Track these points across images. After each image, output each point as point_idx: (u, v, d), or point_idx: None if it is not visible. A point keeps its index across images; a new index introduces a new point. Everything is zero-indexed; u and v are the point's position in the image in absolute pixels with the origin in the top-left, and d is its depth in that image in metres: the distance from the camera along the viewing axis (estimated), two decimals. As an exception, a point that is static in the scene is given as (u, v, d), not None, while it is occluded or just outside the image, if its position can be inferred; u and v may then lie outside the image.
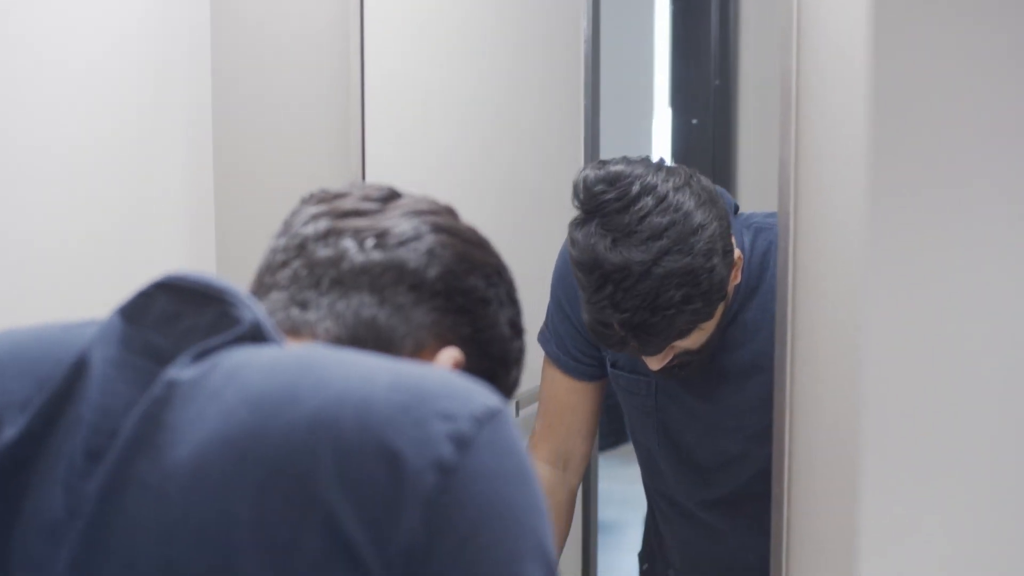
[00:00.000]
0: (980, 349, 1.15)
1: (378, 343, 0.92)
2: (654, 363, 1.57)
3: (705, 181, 1.53)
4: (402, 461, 0.74)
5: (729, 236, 1.51)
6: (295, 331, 0.92)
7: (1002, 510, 1.16)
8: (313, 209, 0.98)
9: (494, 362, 0.99)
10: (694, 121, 3.81)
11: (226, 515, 0.74)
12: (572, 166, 2.27)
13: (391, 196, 1.00)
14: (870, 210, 1.11)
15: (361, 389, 0.77)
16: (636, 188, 1.47)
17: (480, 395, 0.79)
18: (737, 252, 1.54)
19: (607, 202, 1.47)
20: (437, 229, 0.97)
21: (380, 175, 1.68)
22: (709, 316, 1.50)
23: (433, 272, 0.95)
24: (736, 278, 1.56)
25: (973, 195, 1.12)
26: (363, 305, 0.93)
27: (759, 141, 3.27)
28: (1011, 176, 1.13)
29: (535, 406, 1.92)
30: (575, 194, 1.51)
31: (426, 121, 1.88)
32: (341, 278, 0.93)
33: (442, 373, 0.82)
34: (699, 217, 1.46)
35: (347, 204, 0.98)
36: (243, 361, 0.80)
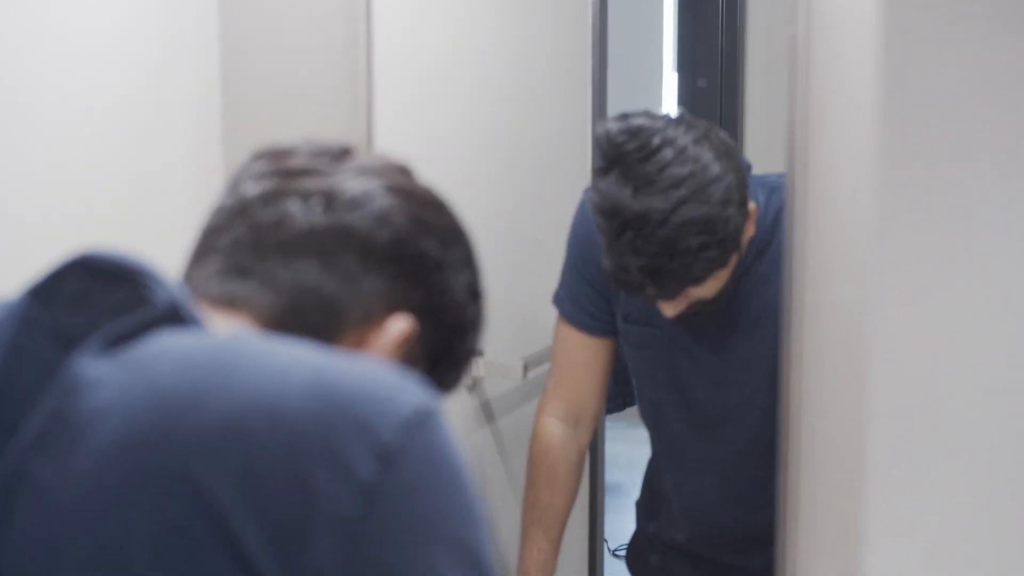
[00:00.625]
0: (994, 316, 1.15)
1: (322, 314, 0.86)
2: (669, 309, 1.60)
3: (723, 135, 1.58)
4: (315, 481, 0.67)
5: (745, 188, 1.56)
6: (232, 303, 0.86)
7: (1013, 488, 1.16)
8: (260, 166, 0.93)
9: (449, 330, 0.94)
10: (701, 83, 3.79)
11: (122, 530, 0.67)
12: (580, 130, 2.27)
13: (343, 154, 0.94)
14: (879, 175, 1.10)
15: (275, 393, 0.70)
16: (657, 140, 1.52)
17: (408, 395, 0.72)
18: (752, 204, 1.59)
19: (629, 153, 1.51)
20: (389, 190, 0.92)
21: (388, 143, 1.67)
22: (724, 264, 1.54)
23: (383, 236, 0.89)
24: (750, 230, 1.60)
25: (985, 164, 1.12)
26: (307, 272, 0.87)
27: (767, 104, 3.26)
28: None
29: (543, 368, 1.93)
30: (598, 145, 1.56)
31: (435, 92, 1.87)
32: (284, 243, 0.88)
33: (367, 370, 0.74)
34: (717, 168, 1.51)
35: (295, 162, 0.92)
36: (156, 352, 0.74)
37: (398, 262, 0.90)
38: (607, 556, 2.58)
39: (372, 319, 0.88)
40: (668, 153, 1.51)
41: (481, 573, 0.71)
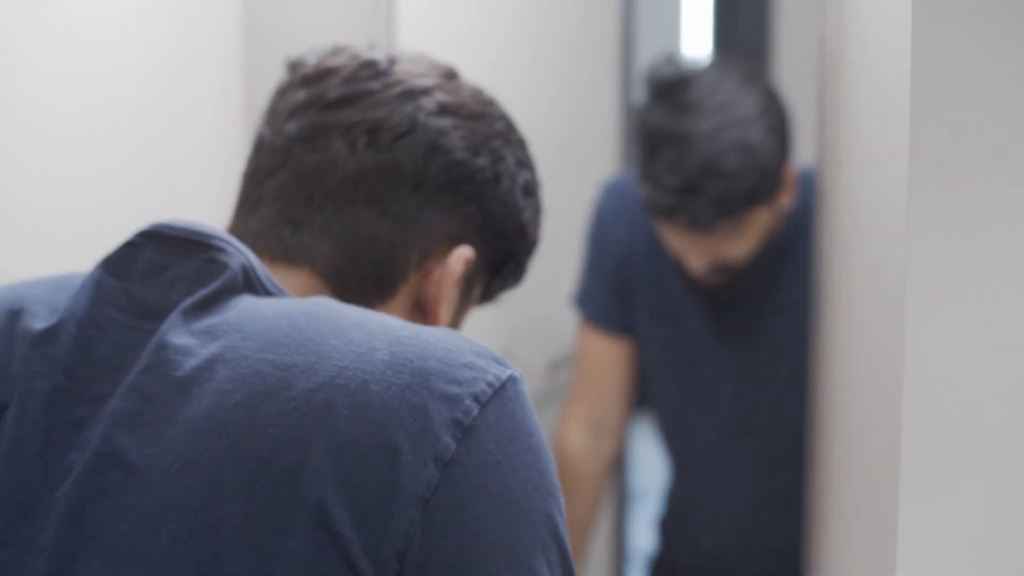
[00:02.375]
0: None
1: (380, 262, 0.86)
2: (697, 257, 1.59)
3: (771, 82, 1.66)
4: (399, 455, 0.68)
5: (788, 132, 1.58)
6: (289, 257, 0.86)
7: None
8: (299, 95, 0.89)
9: (509, 238, 0.93)
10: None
11: (212, 509, 0.68)
12: (604, 119, 2.24)
13: (382, 69, 0.89)
14: (911, 175, 1.08)
15: (357, 367, 0.71)
16: (703, 72, 1.59)
17: (487, 366, 0.73)
18: (791, 169, 1.60)
19: (674, 82, 1.57)
20: (436, 111, 0.88)
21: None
22: (759, 200, 1.54)
23: (435, 167, 0.87)
24: (787, 198, 1.60)
25: (1019, 163, 1.09)
26: (360, 220, 0.85)
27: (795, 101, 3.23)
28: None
29: (567, 369, 1.90)
30: (647, 82, 1.60)
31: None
32: (334, 189, 0.86)
33: (446, 342, 0.74)
34: (761, 103, 1.55)
35: (334, 89, 0.88)
36: (239, 324, 0.74)
37: (452, 190, 0.88)
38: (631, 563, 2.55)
39: (432, 253, 0.88)
40: (714, 84, 1.55)
41: (558, 541, 0.72)
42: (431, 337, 0.74)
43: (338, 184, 0.86)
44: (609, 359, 1.77)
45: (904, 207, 1.09)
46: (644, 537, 2.32)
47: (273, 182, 0.87)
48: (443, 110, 0.88)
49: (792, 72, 2.07)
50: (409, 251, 0.87)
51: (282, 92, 0.91)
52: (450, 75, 0.92)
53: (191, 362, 0.72)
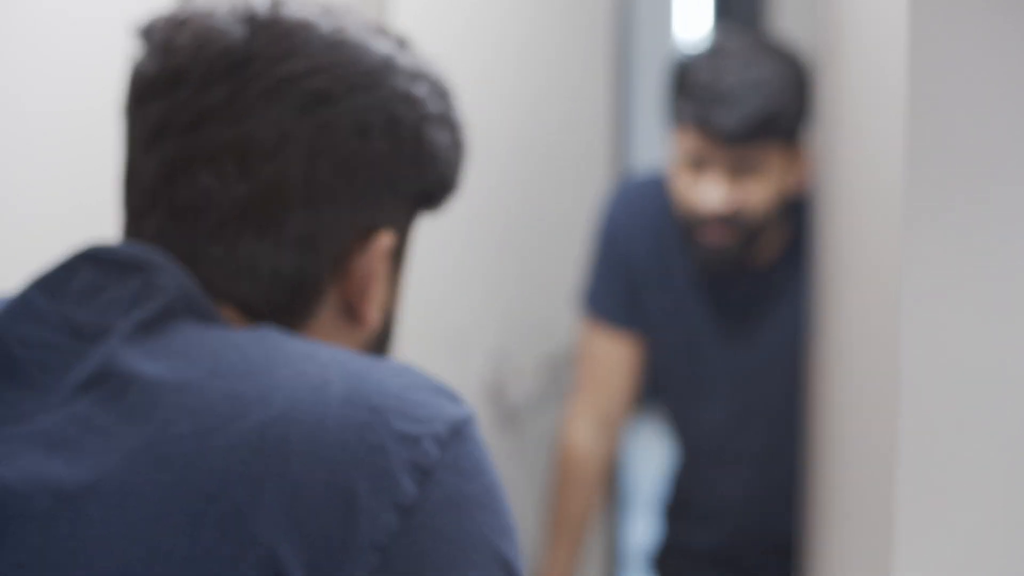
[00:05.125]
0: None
1: (290, 293, 0.78)
2: (715, 190, 1.64)
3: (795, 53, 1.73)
4: (356, 499, 0.65)
5: (807, 96, 1.67)
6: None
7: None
8: (151, 113, 0.77)
9: (431, 185, 0.83)
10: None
11: (153, 545, 0.64)
12: (595, 117, 2.23)
13: (239, 61, 0.76)
14: (907, 173, 1.08)
15: (312, 401, 0.67)
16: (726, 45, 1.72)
17: (445, 407, 0.70)
18: (808, 153, 1.67)
19: (702, 57, 1.69)
20: (304, 109, 0.76)
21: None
22: (780, 130, 1.64)
23: (319, 177, 0.77)
24: (801, 177, 1.68)
25: (1018, 161, 1.09)
26: (256, 255, 0.77)
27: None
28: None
29: (564, 368, 1.90)
30: (677, 72, 1.72)
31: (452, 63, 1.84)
32: (215, 228, 0.76)
33: (401, 374, 0.71)
34: (785, 65, 1.68)
35: (190, 102, 0.76)
36: (182, 350, 0.70)
37: (347, 186, 0.78)
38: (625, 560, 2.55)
39: (347, 256, 0.80)
40: (737, 50, 1.69)
41: None
42: (386, 371, 0.71)
43: (218, 222, 0.76)
44: (616, 357, 1.79)
45: (900, 205, 1.10)
46: (639, 537, 2.32)
47: (150, 223, 0.78)
48: (311, 104, 0.77)
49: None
50: (319, 270, 0.79)
51: (134, 103, 0.79)
52: (311, 37, 0.78)
53: (134, 387, 0.68)
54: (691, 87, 1.67)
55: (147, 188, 0.78)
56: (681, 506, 1.88)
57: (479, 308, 1.84)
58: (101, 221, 1.49)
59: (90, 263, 0.74)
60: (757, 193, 1.65)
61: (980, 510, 1.10)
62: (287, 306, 0.79)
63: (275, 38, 0.77)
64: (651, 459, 2.17)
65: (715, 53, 1.70)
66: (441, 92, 0.84)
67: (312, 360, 0.71)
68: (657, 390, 1.84)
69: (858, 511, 1.26)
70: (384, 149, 0.79)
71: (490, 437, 1.95)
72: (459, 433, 0.69)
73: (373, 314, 0.83)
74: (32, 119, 1.39)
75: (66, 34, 1.43)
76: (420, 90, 0.81)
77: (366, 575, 0.65)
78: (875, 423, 1.19)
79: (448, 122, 0.84)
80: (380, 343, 0.88)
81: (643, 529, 2.05)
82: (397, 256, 0.84)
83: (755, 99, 1.63)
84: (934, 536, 1.11)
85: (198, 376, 0.68)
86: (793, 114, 1.66)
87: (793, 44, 1.74)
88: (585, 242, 1.90)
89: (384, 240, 0.80)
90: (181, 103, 0.77)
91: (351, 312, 0.83)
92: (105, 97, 1.46)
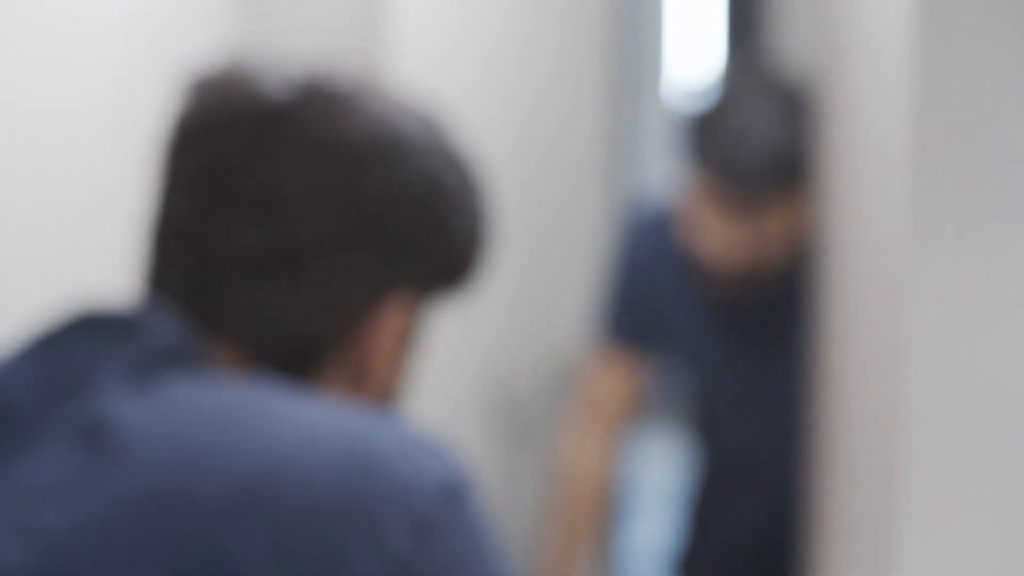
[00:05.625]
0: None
1: (298, 345, 0.80)
2: (733, 239, 1.64)
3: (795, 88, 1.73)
4: (347, 553, 0.65)
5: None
6: (207, 334, 0.79)
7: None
8: (191, 160, 0.81)
9: (446, 263, 0.85)
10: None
11: None
12: (592, 125, 2.23)
13: (271, 116, 0.80)
14: (911, 181, 1.08)
15: (307, 455, 0.68)
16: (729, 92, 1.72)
17: (440, 464, 0.70)
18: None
19: (722, 106, 1.68)
20: (337, 170, 0.79)
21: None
22: (797, 181, 1.62)
23: (340, 234, 0.79)
24: (806, 220, 1.66)
25: (1020, 165, 1.09)
26: (269, 305, 0.78)
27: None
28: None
29: (558, 380, 1.90)
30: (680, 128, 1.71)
31: (452, 66, 1.84)
32: (234, 275, 0.78)
33: (397, 431, 0.72)
34: (789, 105, 1.66)
35: (221, 151, 0.80)
36: (175, 400, 0.71)
37: (366, 248, 0.80)
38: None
39: (360, 317, 0.81)
40: (740, 96, 1.69)
41: None
42: (381, 427, 0.72)
43: (237, 268, 0.79)
44: (622, 377, 1.81)
45: (902, 212, 1.09)
46: (644, 543, 2.32)
47: (174, 265, 0.81)
48: (331, 156, 0.80)
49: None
50: (332, 326, 0.80)
51: (175, 149, 0.82)
52: (339, 98, 0.82)
53: (121, 435, 0.68)
54: (705, 142, 1.66)
55: (177, 231, 0.80)
56: (703, 513, 1.90)
57: (477, 313, 1.84)
58: (98, 220, 1.49)
59: (82, 325, 0.75)
60: (778, 226, 1.66)
61: (982, 520, 1.10)
62: (296, 359, 0.80)
63: (313, 103, 0.81)
64: (660, 466, 2.17)
65: (727, 104, 1.68)
66: (467, 183, 0.86)
67: (306, 414, 0.71)
68: (675, 403, 1.89)
69: (859, 520, 1.26)
70: (405, 220, 0.81)
71: (492, 448, 1.95)
72: (454, 493, 0.69)
73: (379, 378, 0.84)
74: (30, 119, 1.39)
75: (61, 34, 1.42)
76: (445, 175, 0.84)
77: None
78: (876, 432, 1.18)
79: (470, 210, 0.85)
80: (389, 396, 0.87)
81: (649, 535, 2.04)
82: (408, 328, 0.85)
83: (770, 151, 1.62)
84: (935, 544, 1.11)
85: (187, 425, 0.69)
86: (804, 158, 1.65)
87: (802, 78, 1.75)
88: (583, 246, 1.90)
89: (396, 307, 0.82)
90: (219, 152, 0.80)
91: (359, 373, 0.83)
92: (98, 99, 1.46)
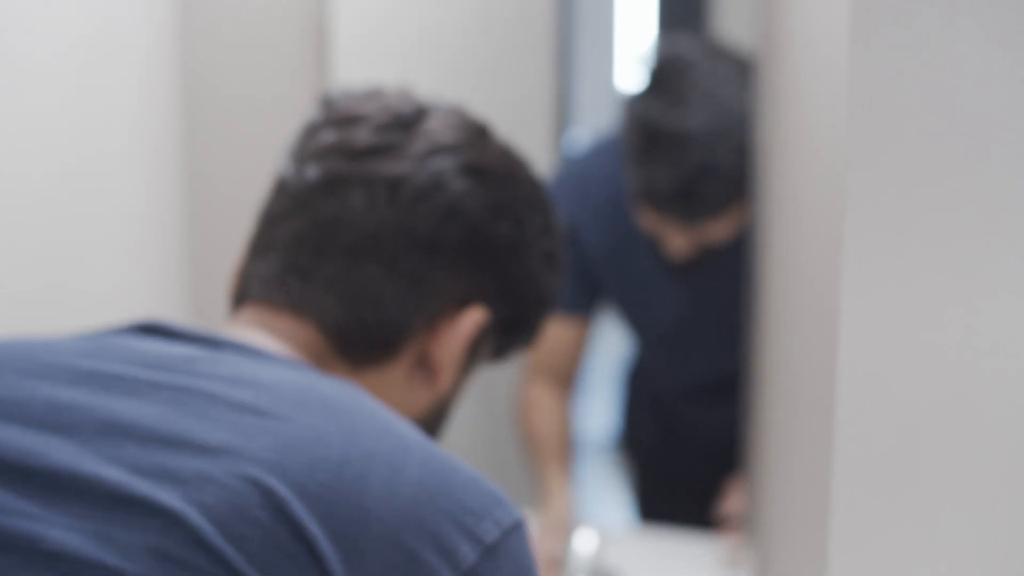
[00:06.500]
0: (970, 314, 1.14)
1: (384, 325, 0.85)
2: (681, 241, 1.59)
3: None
4: (418, 555, 0.69)
5: None
6: (294, 308, 0.85)
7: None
8: (325, 138, 0.87)
9: (525, 305, 0.93)
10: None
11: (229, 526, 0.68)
12: (543, 96, 2.23)
13: (413, 121, 0.88)
14: (850, 171, 1.10)
15: (392, 456, 0.71)
16: (697, 61, 1.56)
17: (506, 505, 0.74)
18: None
19: (668, 71, 1.55)
20: (461, 171, 0.87)
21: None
22: (750, 193, 1.51)
23: (453, 232, 0.86)
24: None
25: (959, 158, 1.10)
26: (369, 279, 0.84)
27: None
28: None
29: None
30: (644, 68, 1.60)
31: (397, 65, 1.84)
32: (346, 243, 0.84)
33: (467, 467, 0.75)
34: (753, 96, 1.51)
35: (362, 137, 0.87)
36: (267, 384, 0.74)
37: (468, 255, 0.87)
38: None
39: (441, 316, 0.87)
40: (708, 74, 1.54)
41: None
42: (455, 460, 0.75)
43: (351, 238, 0.84)
44: (566, 338, 1.79)
45: (844, 185, 1.11)
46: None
47: (287, 227, 0.86)
48: (468, 170, 0.87)
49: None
50: (417, 313, 0.85)
51: (310, 131, 0.89)
52: (481, 133, 0.91)
53: (220, 395, 0.72)
54: (649, 168, 1.55)
55: (299, 194, 0.86)
56: (636, 394, 1.89)
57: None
58: (18, 218, 1.48)
59: (148, 331, 0.80)
60: (727, 229, 1.58)
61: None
62: (377, 338, 0.85)
63: (447, 118, 0.89)
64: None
65: (675, 103, 1.55)
66: (559, 243, 0.94)
67: (393, 422, 0.75)
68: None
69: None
70: (501, 242, 0.88)
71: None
72: (514, 531, 0.73)
73: (441, 380, 0.89)
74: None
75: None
76: (551, 224, 0.93)
77: None
78: (813, 419, 1.20)
79: (554, 273, 0.93)
80: (436, 415, 0.93)
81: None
82: (477, 344, 0.91)
83: (720, 183, 1.52)
84: (870, 530, 1.13)
85: (283, 406, 0.72)
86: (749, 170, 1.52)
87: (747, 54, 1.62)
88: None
89: (475, 317, 0.87)
90: (356, 135, 0.86)
91: (425, 373, 0.89)
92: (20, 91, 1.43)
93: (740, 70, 1.54)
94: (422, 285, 0.85)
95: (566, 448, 1.79)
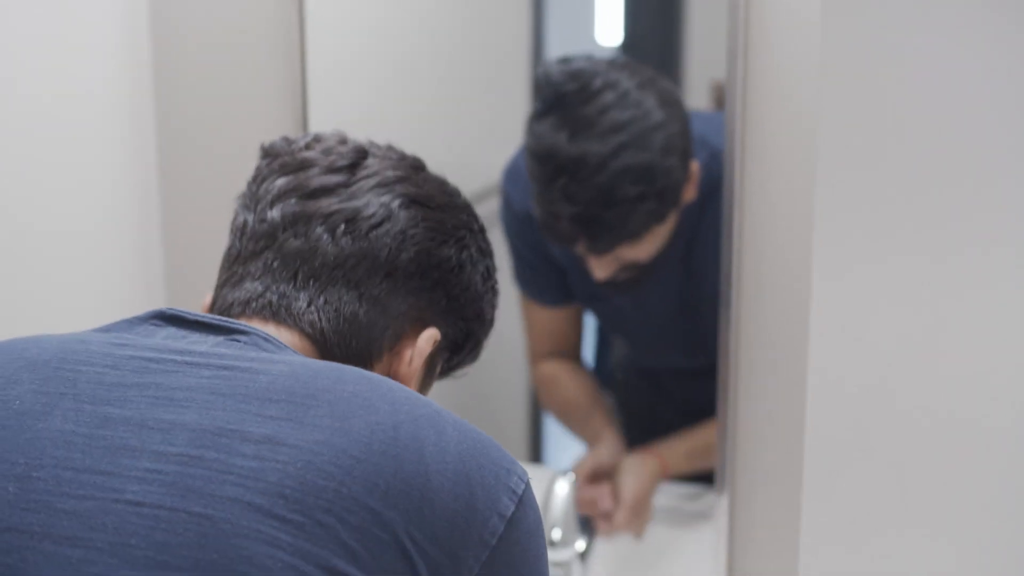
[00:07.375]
0: (934, 310, 1.15)
1: (361, 341, 0.93)
2: (600, 270, 1.54)
3: (669, 83, 1.52)
4: (475, 500, 0.79)
5: (689, 140, 1.48)
6: (281, 319, 0.92)
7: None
8: (280, 183, 0.96)
9: (470, 320, 1.01)
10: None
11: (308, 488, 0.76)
12: (518, 82, 2.22)
13: (357, 161, 0.98)
14: (819, 168, 1.10)
15: (432, 418, 0.80)
16: (598, 83, 1.46)
17: (518, 465, 0.83)
18: (695, 163, 1.50)
19: (567, 95, 1.47)
20: (407, 203, 0.96)
21: (322, 104, 1.63)
22: (661, 219, 1.48)
23: (406, 255, 0.95)
24: (691, 193, 1.51)
25: (923, 156, 1.11)
26: (343, 302, 0.92)
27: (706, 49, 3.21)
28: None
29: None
30: (536, 88, 1.52)
31: (371, 55, 1.82)
32: (316, 273, 0.93)
33: (487, 439, 0.84)
34: (659, 116, 1.45)
35: (314, 179, 0.96)
36: (300, 362, 0.83)
37: (420, 276, 0.96)
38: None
39: (404, 334, 0.95)
40: (609, 96, 1.45)
41: None
42: (478, 434, 0.84)
43: (319, 267, 0.93)
44: (556, 324, 1.75)
45: (812, 188, 1.11)
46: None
47: (258, 263, 0.94)
48: (412, 201, 0.96)
49: (702, 62, 2.01)
50: (383, 332, 0.94)
51: (260, 179, 0.98)
52: (417, 167, 1.00)
53: (259, 371, 0.80)
54: (548, 196, 1.48)
55: (264, 234, 0.94)
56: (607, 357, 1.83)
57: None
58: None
59: (170, 319, 0.88)
60: (647, 251, 1.52)
61: (882, 502, 1.13)
62: (354, 353, 0.93)
63: (385, 157, 0.99)
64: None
65: (573, 126, 1.46)
66: (493, 263, 1.04)
67: (412, 391, 0.84)
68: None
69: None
70: (448, 263, 0.97)
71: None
72: (528, 484, 0.83)
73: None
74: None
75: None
76: (486, 246, 1.03)
77: (477, 565, 0.78)
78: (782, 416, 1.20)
79: (492, 290, 1.04)
80: None
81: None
82: (434, 361, 1.00)
83: (622, 210, 1.45)
84: (840, 524, 1.14)
85: (326, 379, 0.80)
86: (673, 189, 1.47)
87: (664, 78, 1.53)
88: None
89: (431, 334, 0.96)
90: (309, 179, 0.96)
91: None
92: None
93: (649, 90, 1.47)
94: (384, 306, 0.94)
95: (600, 402, 1.75)
